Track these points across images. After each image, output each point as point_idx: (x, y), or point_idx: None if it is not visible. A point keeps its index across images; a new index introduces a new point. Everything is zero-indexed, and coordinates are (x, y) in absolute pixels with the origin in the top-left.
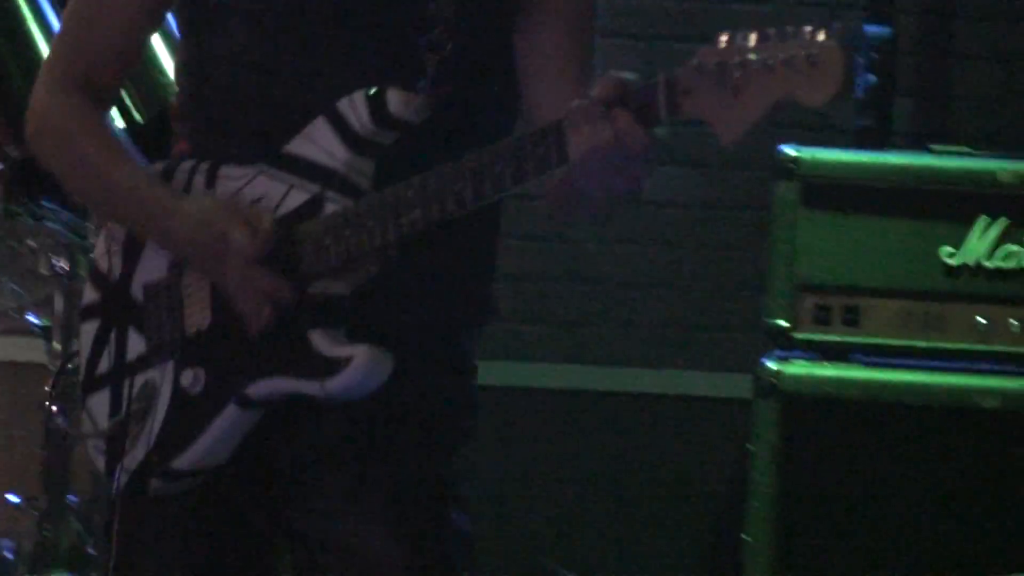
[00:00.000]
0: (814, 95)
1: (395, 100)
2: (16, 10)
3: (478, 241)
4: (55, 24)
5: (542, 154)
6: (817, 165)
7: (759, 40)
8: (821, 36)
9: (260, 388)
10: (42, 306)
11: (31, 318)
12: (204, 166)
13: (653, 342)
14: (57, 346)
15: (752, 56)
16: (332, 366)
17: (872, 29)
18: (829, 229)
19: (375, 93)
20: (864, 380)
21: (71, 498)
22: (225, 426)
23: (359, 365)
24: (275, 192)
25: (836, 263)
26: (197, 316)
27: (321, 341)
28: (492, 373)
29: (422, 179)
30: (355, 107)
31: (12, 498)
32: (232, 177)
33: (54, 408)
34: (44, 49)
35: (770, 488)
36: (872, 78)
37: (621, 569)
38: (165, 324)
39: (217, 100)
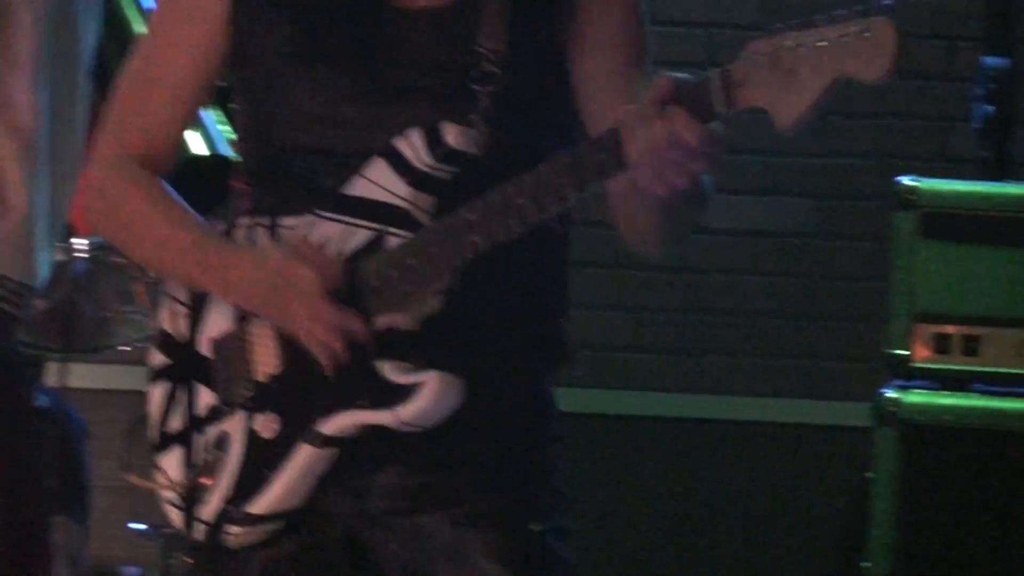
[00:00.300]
0: (869, 71)
1: (451, 132)
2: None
3: (543, 280)
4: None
5: (600, 161)
6: (936, 196)
7: (810, 25)
8: (872, 13)
9: (334, 424)
10: None
11: None
12: (264, 219)
13: (773, 371)
14: None
15: (804, 39)
16: (404, 393)
17: (990, 60)
18: (948, 259)
19: (431, 127)
20: (984, 409)
21: None
22: (301, 466)
23: (431, 390)
24: (336, 234)
25: (955, 293)
26: (266, 362)
27: (391, 371)
28: (615, 402)
29: (483, 200)
30: (412, 143)
31: (139, 526)
32: (292, 226)
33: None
34: None
35: (890, 516)
36: (990, 109)
37: None
38: (235, 375)
39: (277, 158)
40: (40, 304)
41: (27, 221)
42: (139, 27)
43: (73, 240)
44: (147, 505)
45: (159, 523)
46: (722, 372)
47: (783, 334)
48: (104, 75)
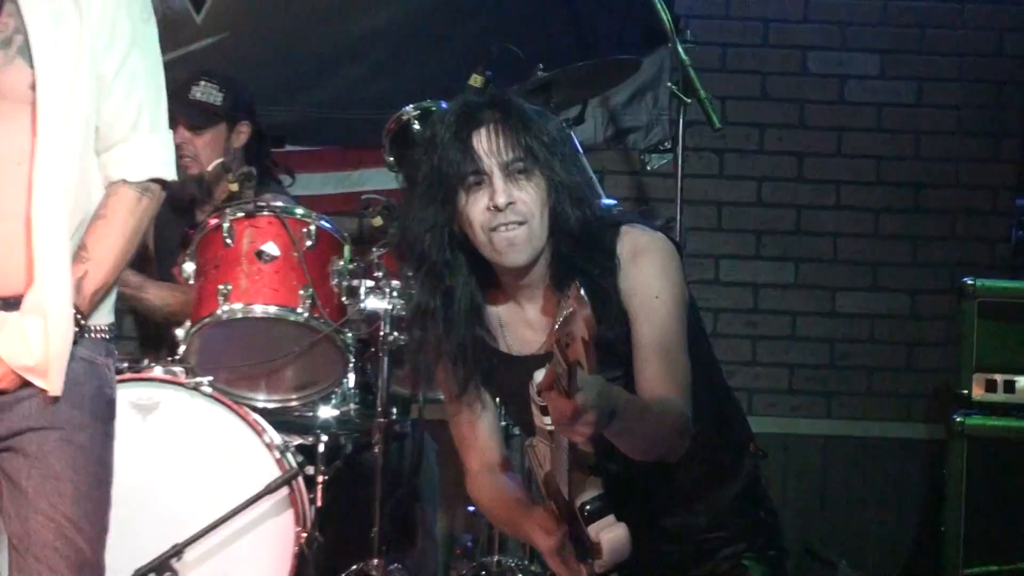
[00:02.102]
0: (587, 323)
1: (536, 380)
2: None
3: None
4: None
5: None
6: (989, 290)
7: (563, 323)
8: (567, 293)
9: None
10: None
11: None
12: (531, 441)
13: (883, 404)
14: None
15: (560, 332)
16: (597, 549)
17: (1022, 202)
18: (995, 332)
19: (536, 386)
20: (1018, 427)
21: None
22: None
23: (606, 542)
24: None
25: (1000, 353)
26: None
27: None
28: (779, 424)
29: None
30: (532, 400)
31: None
32: (534, 444)
33: None
34: None
35: (959, 497)
36: (1022, 233)
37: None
38: None
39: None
40: (406, 368)
41: None
42: None
43: None
44: None
45: None
46: (850, 405)
47: (889, 381)
48: None
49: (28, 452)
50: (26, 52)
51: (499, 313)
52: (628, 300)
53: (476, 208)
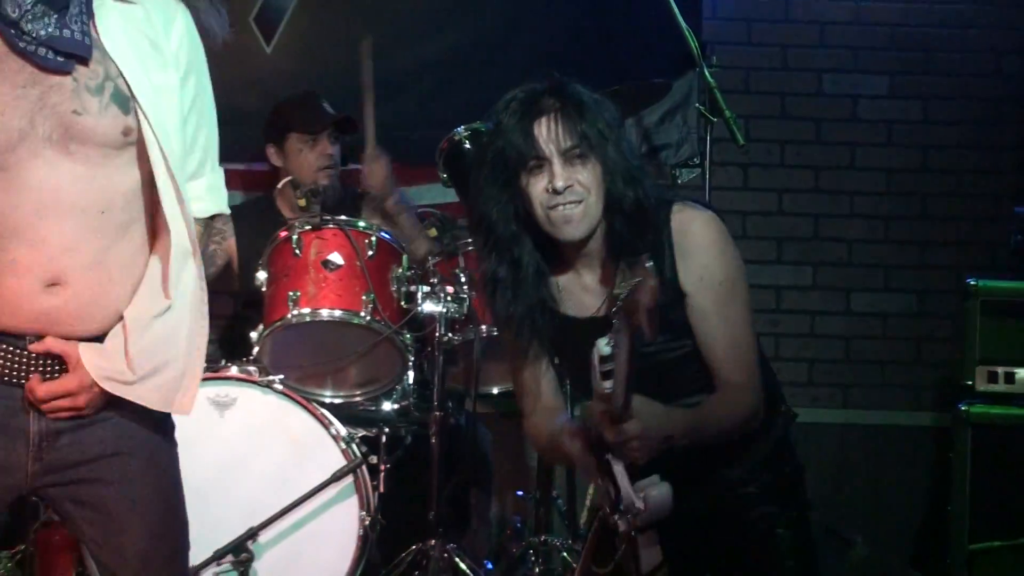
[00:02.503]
0: (653, 294)
1: (599, 346)
2: None
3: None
4: None
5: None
6: (990, 290)
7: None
8: (639, 267)
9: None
10: None
11: None
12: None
13: (894, 394)
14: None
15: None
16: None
17: (1020, 209)
18: (996, 327)
19: (599, 353)
20: (1018, 415)
21: (554, 493)
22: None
23: (648, 497)
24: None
25: (1001, 347)
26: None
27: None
28: (805, 414)
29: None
30: (592, 365)
31: (520, 493)
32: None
33: None
34: None
35: (964, 479)
36: (1020, 238)
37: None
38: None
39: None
40: (460, 365)
41: None
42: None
43: (482, 326)
44: (524, 481)
45: (530, 492)
46: (864, 396)
47: (900, 374)
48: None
49: (110, 479)
50: (118, 99)
51: (559, 281)
52: (691, 285)
53: (537, 189)
